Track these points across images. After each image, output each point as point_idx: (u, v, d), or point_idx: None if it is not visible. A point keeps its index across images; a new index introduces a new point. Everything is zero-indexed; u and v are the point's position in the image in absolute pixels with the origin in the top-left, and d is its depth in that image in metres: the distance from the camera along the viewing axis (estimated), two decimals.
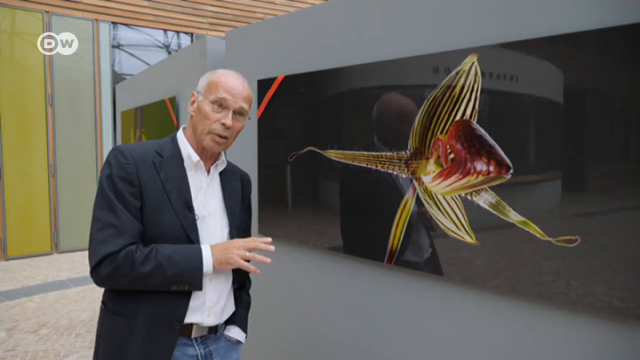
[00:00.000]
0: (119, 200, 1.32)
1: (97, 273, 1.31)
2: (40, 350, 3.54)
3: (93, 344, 3.57)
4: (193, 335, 1.43)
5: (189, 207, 1.41)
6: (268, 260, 1.43)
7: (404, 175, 1.72)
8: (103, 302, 1.44)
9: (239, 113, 1.46)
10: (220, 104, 1.42)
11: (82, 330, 3.94)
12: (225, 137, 1.44)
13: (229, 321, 1.56)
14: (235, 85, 1.44)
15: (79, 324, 4.07)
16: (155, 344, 1.36)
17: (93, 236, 1.33)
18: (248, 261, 1.43)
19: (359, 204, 1.90)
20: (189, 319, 1.40)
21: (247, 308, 1.65)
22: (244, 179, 1.67)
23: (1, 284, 5.37)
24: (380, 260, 1.82)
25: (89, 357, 3.43)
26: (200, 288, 1.37)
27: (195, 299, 1.41)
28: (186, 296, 1.39)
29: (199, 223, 1.43)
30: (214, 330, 1.49)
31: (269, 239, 1.44)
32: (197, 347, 1.45)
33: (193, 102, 1.48)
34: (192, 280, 1.35)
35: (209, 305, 1.44)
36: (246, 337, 1.60)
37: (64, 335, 3.82)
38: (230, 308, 1.55)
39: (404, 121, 1.74)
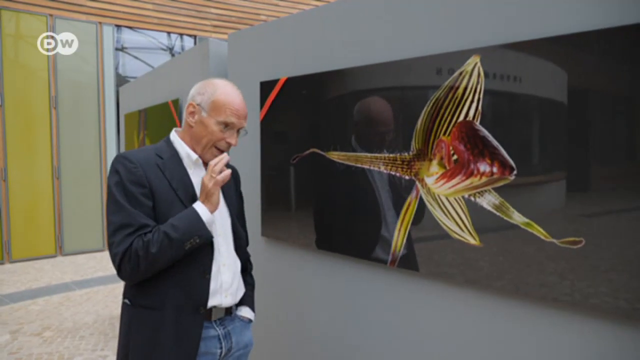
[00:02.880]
0: (130, 203, 1.42)
1: (122, 271, 1.43)
2: (44, 352, 3.54)
3: (97, 347, 3.60)
4: (212, 317, 1.57)
5: (195, 200, 1.52)
6: (228, 172, 1.50)
7: (406, 177, 1.71)
8: (127, 299, 1.53)
9: (239, 130, 1.59)
10: (227, 125, 1.54)
11: (86, 332, 3.95)
12: (224, 152, 1.58)
13: (240, 302, 1.70)
14: (241, 106, 1.56)
15: (83, 327, 4.08)
16: (185, 330, 1.48)
17: (110, 240, 1.43)
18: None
19: (361, 206, 1.90)
20: (210, 302, 1.52)
21: (253, 289, 1.79)
22: (234, 172, 1.79)
23: (5, 287, 5.39)
24: (383, 262, 1.82)
25: (93, 359, 3.43)
26: (210, 235, 1.48)
27: (214, 282, 1.53)
28: (207, 281, 1.51)
29: None
30: (229, 312, 1.64)
31: (221, 156, 1.51)
32: (217, 328, 1.58)
33: (193, 113, 1.56)
34: (199, 231, 1.45)
35: (225, 287, 1.57)
36: (255, 316, 1.74)
37: (68, 338, 3.83)
38: (242, 288, 1.69)
39: (376, 128, 1.82)
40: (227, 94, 1.54)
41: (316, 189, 2.12)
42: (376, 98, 1.82)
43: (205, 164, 1.61)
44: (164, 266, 1.44)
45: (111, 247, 1.42)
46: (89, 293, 5.11)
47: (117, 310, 4.48)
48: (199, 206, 1.47)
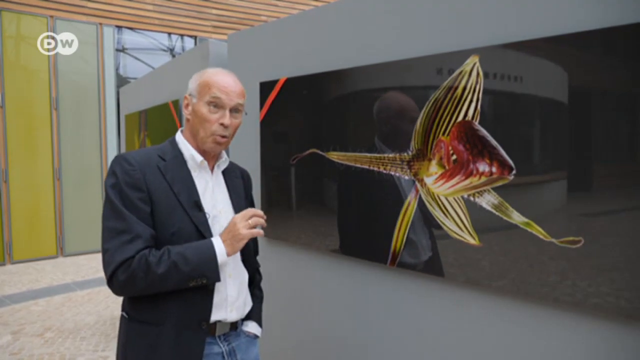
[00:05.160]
0: (127, 208, 1.32)
1: (114, 281, 1.31)
2: (46, 353, 3.55)
3: (98, 347, 3.60)
4: (217, 333, 1.45)
5: (199, 206, 1.42)
6: (261, 232, 1.45)
7: (406, 177, 1.71)
8: (125, 312, 1.44)
9: (235, 110, 1.46)
10: (216, 104, 1.42)
11: (87, 333, 3.95)
12: (225, 136, 1.45)
13: (246, 317, 1.58)
14: (228, 82, 1.44)
15: (84, 327, 4.08)
16: (185, 346, 1.37)
17: (105, 246, 1.33)
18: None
19: (361, 206, 1.89)
20: (213, 316, 1.42)
21: (261, 302, 1.68)
22: (244, 175, 1.70)
23: (7, 287, 5.40)
24: (383, 262, 1.81)
25: None
26: (218, 279, 1.37)
27: (218, 296, 1.42)
28: (209, 294, 1.40)
29: (210, 222, 1.44)
30: (234, 327, 1.51)
31: (262, 214, 1.45)
32: (221, 345, 1.47)
33: (187, 105, 1.48)
34: (209, 272, 1.34)
35: (230, 301, 1.46)
36: (262, 331, 1.63)
37: (69, 339, 3.83)
38: (249, 302, 1.58)
39: (402, 120, 1.73)
40: (214, 74, 1.44)
41: (318, 190, 2.12)
42: (395, 92, 1.76)
43: (212, 167, 1.52)
44: (159, 291, 1.34)
45: (105, 253, 1.32)
46: (90, 294, 5.12)
47: (118, 310, 4.46)
48: (217, 245, 1.36)
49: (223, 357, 1.47)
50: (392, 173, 1.75)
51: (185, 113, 1.48)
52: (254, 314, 1.60)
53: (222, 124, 1.42)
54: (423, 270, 1.70)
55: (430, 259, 1.68)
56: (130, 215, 1.31)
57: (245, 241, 1.39)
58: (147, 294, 1.35)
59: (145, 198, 1.35)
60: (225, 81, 1.43)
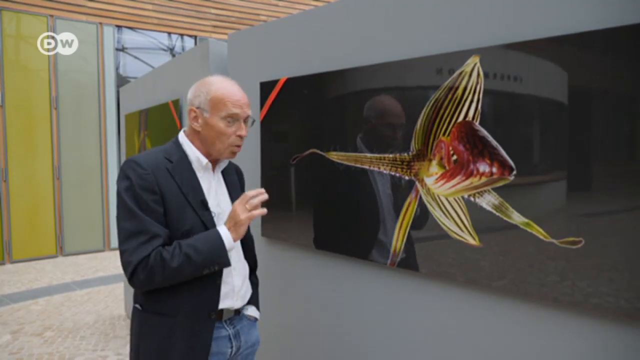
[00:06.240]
0: (142, 210, 1.40)
1: (135, 280, 1.41)
2: (45, 352, 3.55)
3: (97, 347, 3.60)
4: (224, 318, 1.58)
5: (205, 206, 1.51)
6: (264, 211, 1.52)
7: (406, 177, 1.71)
8: (139, 304, 1.54)
9: (246, 119, 1.56)
10: (232, 118, 1.51)
11: (86, 332, 3.95)
12: (240, 145, 1.57)
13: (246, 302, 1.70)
14: (239, 96, 1.53)
15: (84, 327, 4.08)
16: (196, 336, 1.49)
17: (122, 247, 1.42)
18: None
19: (361, 206, 1.89)
20: (222, 305, 1.54)
21: (257, 288, 1.80)
22: (238, 171, 1.80)
23: (6, 287, 5.40)
24: (383, 262, 1.82)
25: (93, 359, 3.44)
26: (228, 264, 1.48)
27: (226, 287, 1.55)
28: (217, 287, 1.52)
29: (216, 220, 1.54)
30: (237, 312, 1.64)
31: (260, 190, 1.52)
32: (227, 328, 1.59)
33: (196, 117, 1.53)
34: (220, 259, 1.45)
35: (236, 291, 1.59)
36: (260, 315, 1.76)
37: (68, 338, 3.83)
38: (250, 290, 1.71)
39: (383, 123, 1.80)
40: (223, 88, 1.52)
41: (316, 189, 2.12)
42: (388, 96, 1.80)
43: (214, 168, 1.60)
44: (176, 283, 1.44)
45: (123, 254, 1.41)
46: (90, 293, 5.11)
47: (117, 310, 4.49)
48: (224, 232, 1.46)
49: (229, 339, 1.58)
50: (393, 173, 1.76)
51: (195, 125, 1.54)
52: (253, 299, 1.74)
53: (239, 136, 1.54)
54: (398, 265, 1.78)
55: (403, 260, 1.75)
56: (146, 217, 1.40)
57: (246, 225, 1.49)
58: (163, 287, 1.45)
59: (159, 200, 1.44)
60: (237, 95, 1.53)
